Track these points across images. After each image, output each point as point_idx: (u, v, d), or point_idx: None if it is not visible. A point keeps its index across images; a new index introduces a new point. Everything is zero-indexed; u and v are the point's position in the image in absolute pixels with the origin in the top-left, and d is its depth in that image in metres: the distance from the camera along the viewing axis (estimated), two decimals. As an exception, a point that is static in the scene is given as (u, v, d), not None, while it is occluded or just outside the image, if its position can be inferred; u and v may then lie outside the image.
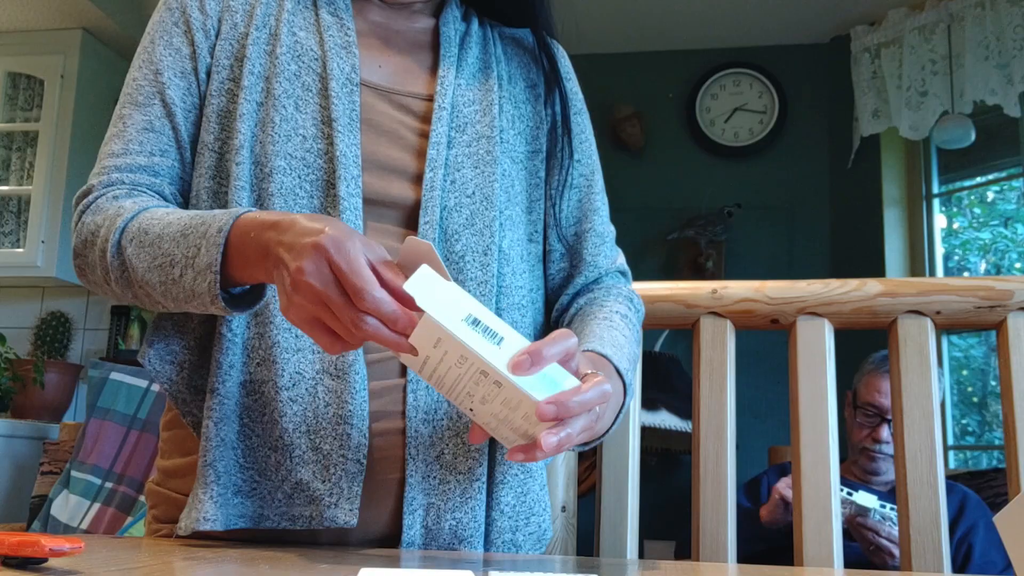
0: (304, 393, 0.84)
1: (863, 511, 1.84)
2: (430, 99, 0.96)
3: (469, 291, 0.88)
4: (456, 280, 0.89)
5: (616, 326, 0.95)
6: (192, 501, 0.82)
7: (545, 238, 1.03)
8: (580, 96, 1.10)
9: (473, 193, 0.93)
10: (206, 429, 0.83)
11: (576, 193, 1.05)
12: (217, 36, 0.94)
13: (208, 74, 0.93)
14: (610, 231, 1.08)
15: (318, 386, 0.84)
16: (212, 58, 0.93)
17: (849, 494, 1.86)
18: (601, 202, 1.07)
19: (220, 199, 0.89)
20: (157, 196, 0.90)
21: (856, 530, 1.84)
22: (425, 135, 0.94)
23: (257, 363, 0.85)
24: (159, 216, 0.83)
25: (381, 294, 0.67)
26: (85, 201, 0.89)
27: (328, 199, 0.88)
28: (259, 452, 0.84)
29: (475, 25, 1.04)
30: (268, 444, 0.84)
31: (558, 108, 1.05)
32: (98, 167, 0.91)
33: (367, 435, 0.83)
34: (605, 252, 1.05)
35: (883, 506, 1.85)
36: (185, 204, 0.93)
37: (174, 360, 0.90)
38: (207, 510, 0.81)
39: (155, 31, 0.95)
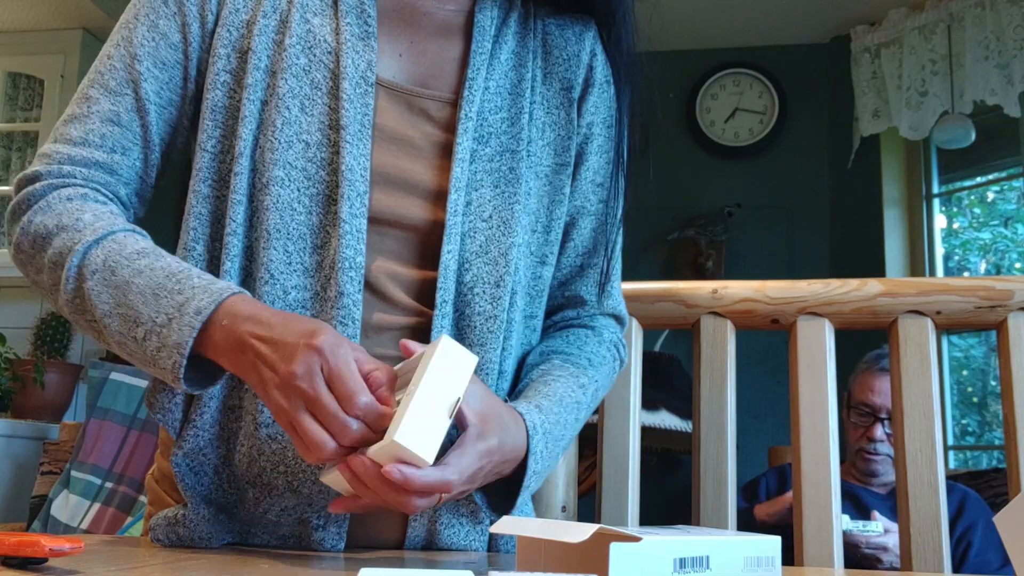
0: (281, 432, 0.78)
1: None
2: (453, 103, 0.86)
3: (475, 326, 0.82)
4: (462, 314, 0.82)
5: (576, 400, 0.85)
6: (180, 518, 0.79)
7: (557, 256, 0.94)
8: (625, 103, 0.98)
9: (490, 216, 0.83)
10: (175, 456, 0.79)
11: (591, 221, 0.94)
12: (217, 21, 0.84)
13: (202, 67, 0.84)
14: (617, 269, 0.98)
15: None
16: (210, 47, 0.83)
17: None
18: (618, 235, 0.97)
19: (215, 204, 0.82)
20: (111, 198, 0.82)
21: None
22: (445, 146, 0.84)
23: (243, 392, 0.80)
24: (128, 254, 0.75)
25: (370, 399, 0.65)
26: (31, 190, 0.80)
27: (328, 217, 0.79)
28: (239, 482, 0.81)
29: (517, 9, 0.92)
30: (245, 479, 0.80)
31: (598, 118, 0.94)
32: (51, 149, 0.81)
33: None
34: (608, 293, 0.96)
35: (856, 522, 1.94)
36: (142, 206, 0.87)
37: (165, 387, 0.82)
38: (202, 530, 0.78)
39: (140, 5, 0.84)
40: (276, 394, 0.67)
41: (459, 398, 0.67)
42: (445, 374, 0.66)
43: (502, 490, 0.81)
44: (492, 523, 0.84)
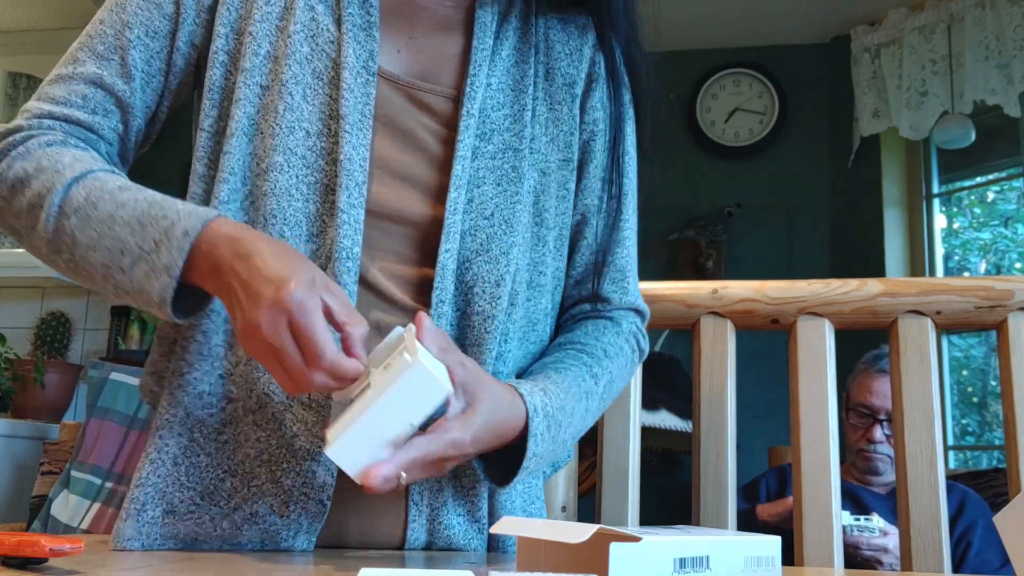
0: (271, 419, 0.77)
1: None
2: (454, 98, 0.85)
3: (473, 326, 0.81)
4: (463, 313, 0.82)
5: (585, 388, 0.85)
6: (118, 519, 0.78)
7: (570, 255, 0.94)
8: (627, 98, 0.97)
9: (492, 215, 0.83)
10: (148, 440, 0.79)
11: (604, 219, 0.94)
12: None
13: (195, 40, 0.84)
14: (632, 266, 0.97)
15: (287, 413, 0.77)
16: (208, 23, 0.83)
17: None
18: (629, 230, 0.97)
19: (209, 184, 0.81)
20: (91, 150, 0.81)
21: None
22: (447, 142, 0.84)
23: (229, 377, 0.78)
24: (110, 189, 0.74)
25: (335, 358, 0.65)
26: (11, 140, 0.79)
27: (325, 206, 0.79)
28: (208, 473, 0.78)
29: (518, 6, 0.91)
30: (224, 467, 0.78)
31: (603, 114, 0.93)
32: (33, 105, 0.81)
33: (335, 474, 0.77)
34: (624, 288, 0.95)
35: (857, 519, 1.92)
36: (123, 167, 0.86)
37: (154, 370, 0.83)
38: (124, 530, 0.76)
39: None
40: (242, 337, 0.68)
41: (413, 427, 0.67)
42: (405, 400, 0.67)
43: (503, 464, 0.81)
44: (492, 523, 0.84)
